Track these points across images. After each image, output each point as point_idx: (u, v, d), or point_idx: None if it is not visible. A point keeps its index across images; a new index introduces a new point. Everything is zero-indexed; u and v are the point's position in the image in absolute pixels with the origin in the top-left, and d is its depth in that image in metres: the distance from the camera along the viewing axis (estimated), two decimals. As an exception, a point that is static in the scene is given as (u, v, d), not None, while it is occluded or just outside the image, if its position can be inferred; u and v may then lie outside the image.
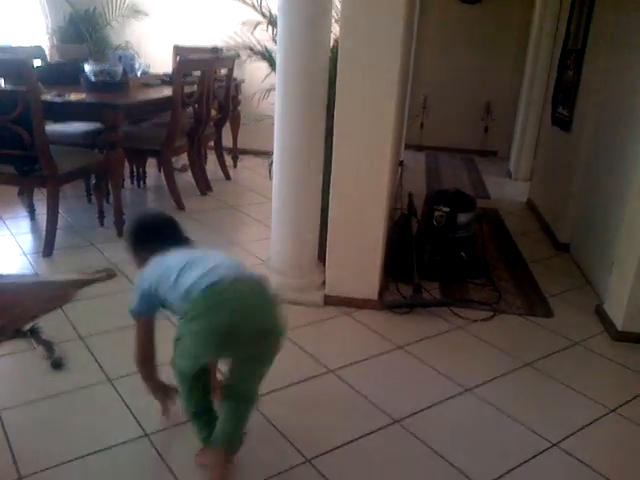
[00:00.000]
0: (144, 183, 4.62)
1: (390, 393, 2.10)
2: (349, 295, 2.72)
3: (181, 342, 1.55)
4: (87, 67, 3.69)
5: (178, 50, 5.09)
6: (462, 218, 3.12)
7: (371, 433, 1.87)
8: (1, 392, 1.99)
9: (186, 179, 4.51)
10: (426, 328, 2.57)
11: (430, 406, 2.03)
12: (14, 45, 4.97)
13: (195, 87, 3.99)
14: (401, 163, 4.70)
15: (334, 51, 2.58)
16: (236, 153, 5.37)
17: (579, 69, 3.73)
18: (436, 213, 3.12)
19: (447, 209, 3.10)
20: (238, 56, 4.51)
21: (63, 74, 3.86)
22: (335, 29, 2.73)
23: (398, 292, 2.84)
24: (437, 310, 2.71)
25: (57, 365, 2.14)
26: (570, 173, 3.63)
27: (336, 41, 2.74)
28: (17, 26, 5.55)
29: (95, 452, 1.73)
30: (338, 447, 1.80)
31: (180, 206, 3.97)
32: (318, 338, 2.47)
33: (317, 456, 1.75)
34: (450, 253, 3.07)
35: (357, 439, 1.84)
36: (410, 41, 3.70)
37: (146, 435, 1.80)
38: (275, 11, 2.75)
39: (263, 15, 3.44)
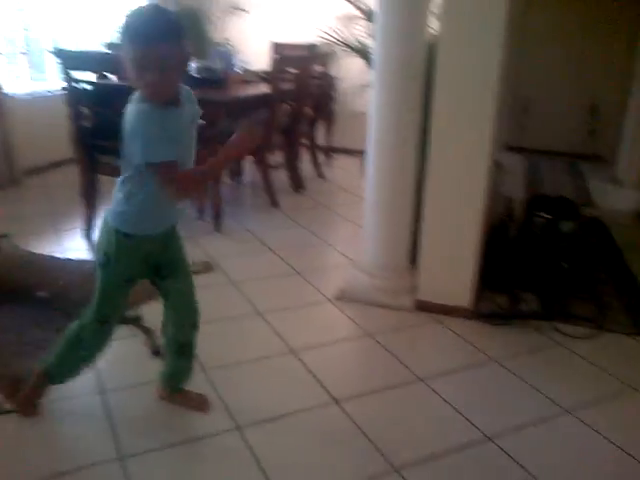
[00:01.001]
0: (241, 179, 4.74)
1: (483, 407, 2.04)
2: (441, 301, 2.65)
3: None
4: (190, 64, 3.82)
5: (275, 47, 5.16)
6: (565, 226, 2.97)
7: (462, 448, 1.82)
8: (106, 374, 2.11)
9: (280, 176, 4.58)
10: (522, 342, 2.46)
11: (525, 425, 1.94)
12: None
13: (291, 84, 4.03)
14: (499, 165, 4.54)
15: (432, 46, 2.53)
16: (329, 151, 5.40)
17: None
18: (536, 220, 2.99)
19: (549, 216, 2.96)
20: (334, 53, 4.52)
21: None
22: (433, 24, 2.67)
23: (493, 302, 2.74)
24: (535, 323, 2.59)
25: (157, 352, 2.24)
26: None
27: (434, 36, 2.67)
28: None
29: (190, 441, 1.79)
30: (427, 459, 1.77)
31: (274, 203, 4.04)
32: (407, 344, 2.43)
33: (405, 466, 1.73)
34: (551, 263, 2.93)
35: (447, 452, 1.80)
36: (513, 38, 3.56)
37: (238, 428, 1.85)
38: (372, 6, 2.72)
39: (360, 10, 3.42)
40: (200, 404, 1.94)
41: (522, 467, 1.75)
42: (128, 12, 1.47)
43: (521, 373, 2.23)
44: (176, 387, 1.95)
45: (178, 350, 1.89)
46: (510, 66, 3.31)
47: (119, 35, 1.47)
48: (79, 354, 1.81)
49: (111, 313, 1.79)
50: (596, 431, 1.92)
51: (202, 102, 3.33)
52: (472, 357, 2.33)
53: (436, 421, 1.96)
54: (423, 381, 2.15)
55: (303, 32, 5.27)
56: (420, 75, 2.52)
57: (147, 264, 1.74)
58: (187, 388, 1.96)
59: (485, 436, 1.87)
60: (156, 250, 1.73)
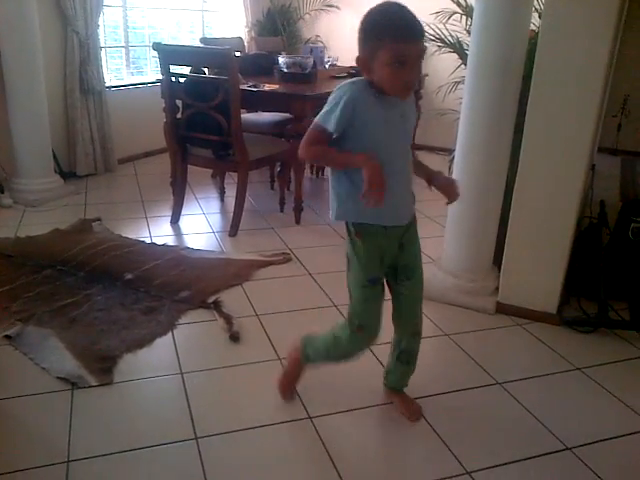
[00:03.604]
0: (322, 174, 4.77)
1: (563, 416, 1.95)
2: (524, 305, 2.56)
3: None
4: (281, 59, 3.88)
5: (365, 43, 5.14)
6: (663, 233, 2.78)
7: (538, 456, 1.75)
8: (185, 356, 2.18)
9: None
10: (610, 352, 2.33)
11: (609, 438, 1.84)
12: (216, 37, 5.40)
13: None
14: (593, 167, 4.32)
15: (532, 43, 2.43)
16: (414, 148, 5.32)
17: None
18: (633, 225, 2.81)
19: (646, 222, 2.78)
20: (426, 48, 4.46)
21: (258, 65, 4.10)
22: (534, 19, 2.57)
23: (580, 308, 2.62)
24: (624, 333, 2.45)
25: (235, 338, 2.30)
26: None
27: (534, 32, 2.58)
28: (221, 19, 6.03)
29: (260, 426, 1.82)
30: (501, 464, 1.71)
31: (355, 197, 4.03)
32: (487, 347, 2.36)
33: (477, 470, 1.68)
34: (645, 271, 2.75)
35: (522, 460, 1.73)
36: (618, 34, 3.37)
37: (309, 417, 1.86)
38: (471, 1, 2.66)
39: (459, 5, 3.35)
40: (412, 412, 1.89)
41: (601, 479, 1.66)
42: (372, 11, 1.47)
43: (606, 383, 2.11)
44: (394, 388, 1.95)
45: (399, 356, 1.86)
46: (611, 61, 3.14)
47: (367, 33, 1.47)
48: (335, 352, 1.80)
49: (364, 321, 1.71)
50: (688, 451, 1.80)
51: (290, 97, 3.45)
52: (554, 363, 2.24)
53: (512, 426, 1.90)
54: (501, 385, 2.09)
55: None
56: (518, 72, 2.44)
57: (383, 263, 1.68)
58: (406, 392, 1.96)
59: (564, 445, 1.79)
60: (391, 248, 1.67)
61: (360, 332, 1.71)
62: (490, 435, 1.85)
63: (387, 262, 1.69)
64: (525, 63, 2.47)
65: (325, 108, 1.52)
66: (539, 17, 2.57)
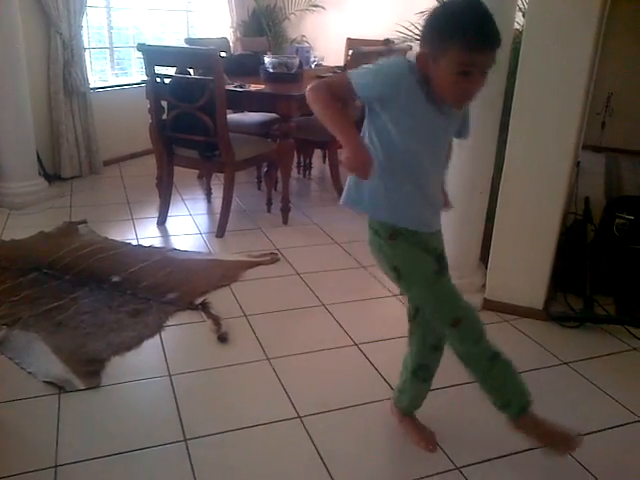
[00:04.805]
0: (309, 174, 4.77)
1: (552, 411, 1.93)
2: (511, 302, 2.58)
3: None
4: (266, 59, 3.88)
5: (351, 42, 5.16)
6: (647, 228, 2.82)
7: (527, 450, 1.76)
8: (173, 358, 2.17)
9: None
10: (596, 346, 2.35)
11: (597, 431, 1.86)
12: (201, 37, 5.39)
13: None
14: (578, 164, 4.37)
15: (516, 42, 2.45)
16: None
17: None
18: (617, 221, 2.85)
19: (631, 217, 2.81)
20: (410, 48, 4.47)
21: (244, 65, 4.09)
22: (518, 19, 2.59)
23: (566, 304, 2.64)
24: (610, 328, 2.47)
25: (223, 339, 2.29)
26: None
27: (518, 31, 2.60)
28: (205, 20, 6.02)
29: (249, 427, 1.81)
30: (490, 459, 1.72)
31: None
32: (475, 343, 2.38)
33: (466, 465, 1.69)
34: (630, 266, 2.78)
35: (511, 454, 1.75)
36: (600, 33, 3.41)
37: (299, 417, 1.86)
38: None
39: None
40: (426, 441, 1.77)
41: (589, 472, 1.68)
42: (448, 6, 1.29)
43: (592, 377, 2.13)
44: (407, 411, 1.82)
45: (414, 371, 1.72)
46: (596, 61, 3.18)
47: (435, 28, 1.29)
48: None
49: (455, 311, 1.52)
50: (674, 443, 1.82)
51: (276, 97, 3.44)
52: (541, 358, 2.25)
53: (500, 421, 1.90)
54: (489, 381, 2.09)
55: (380, 28, 5.23)
56: (503, 70, 2.45)
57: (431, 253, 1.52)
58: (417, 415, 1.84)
59: (553, 441, 1.80)
60: (431, 243, 1.52)
61: (461, 324, 1.51)
62: (479, 430, 1.86)
63: (432, 252, 1.51)
64: (510, 62, 2.49)
65: (368, 66, 1.34)
66: (523, 16, 2.58)
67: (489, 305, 2.61)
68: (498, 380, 1.60)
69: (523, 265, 2.52)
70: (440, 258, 1.55)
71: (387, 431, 1.85)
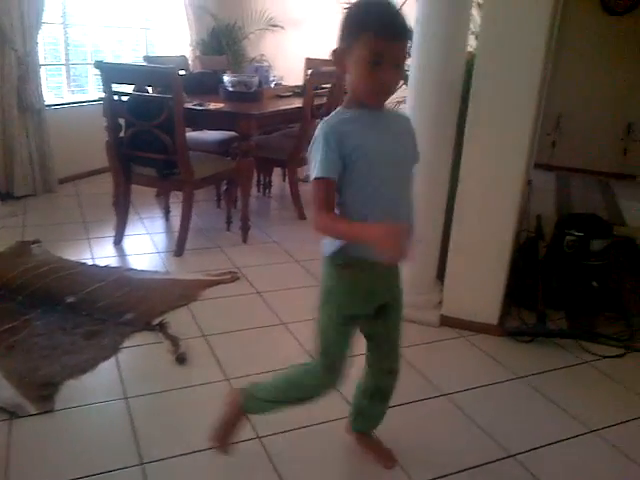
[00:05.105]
0: (269, 192, 4.78)
1: (506, 424, 2.00)
2: (467, 317, 2.63)
3: None
4: (226, 78, 3.89)
5: (310, 62, 5.22)
6: (596, 245, 2.91)
7: (484, 464, 1.80)
8: (130, 380, 2.14)
9: (308, 189, 4.60)
10: (549, 360, 2.42)
11: (549, 443, 1.91)
12: (160, 55, 5.38)
13: (325, 99, 4.07)
14: (529, 183, 4.50)
15: (469, 64, 2.53)
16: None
17: None
18: (567, 238, 2.94)
19: (580, 234, 2.91)
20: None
21: (203, 84, 4.09)
22: (471, 41, 2.68)
23: (520, 319, 2.71)
24: (562, 342, 2.55)
25: (181, 360, 2.26)
26: None
27: (471, 54, 2.68)
28: (164, 37, 6.00)
29: (208, 449, 1.77)
30: (448, 474, 1.74)
31: (302, 216, 4.06)
32: (432, 359, 2.42)
33: (427, 481, 1.71)
34: (580, 281, 2.87)
35: (468, 469, 1.77)
36: (549, 55, 3.55)
37: (258, 437, 1.85)
38: (411, 23, 2.74)
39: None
40: (387, 458, 1.78)
41: (545, 486, 1.72)
42: (358, 3, 1.37)
43: (546, 391, 2.19)
44: (363, 430, 1.82)
45: (373, 394, 1.72)
46: (545, 83, 3.29)
47: (347, 23, 1.35)
48: (293, 396, 1.66)
49: (336, 359, 1.56)
50: (621, 451, 1.88)
51: (236, 115, 3.45)
52: (496, 373, 2.30)
53: (458, 436, 1.94)
54: (446, 396, 2.13)
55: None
56: (456, 92, 2.53)
57: (367, 301, 1.54)
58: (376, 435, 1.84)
59: (507, 453, 1.84)
60: (380, 284, 1.54)
61: (332, 372, 1.57)
62: (437, 446, 1.89)
63: (371, 300, 1.54)
64: (463, 83, 2.56)
65: (313, 160, 1.36)
66: (476, 39, 2.67)
67: (446, 321, 2.66)
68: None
69: (478, 282, 2.58)
70: (382, 306, 1.57)
71: (345, 450, 1.85)
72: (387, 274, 1.54)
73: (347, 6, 1.40)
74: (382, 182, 1.40)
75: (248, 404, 1.67)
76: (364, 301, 1.53)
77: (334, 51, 1.38)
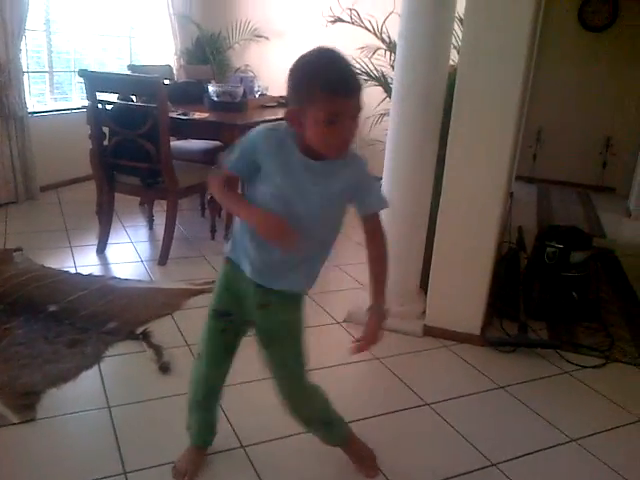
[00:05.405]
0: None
1: (488, 433, 2.03)
2: (450, 327, 2.66)
3: None
4: (210, 87, 3.90)
5: (295, 73, 5.22)
6: (576, 256, 2.97)
7: (466, 473, 1.81)
8: (112, 389, 2.12)
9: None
10: (530, 370, 2.45)
11: (531, 452, 1.93)
12: (144, 64, 5.37)
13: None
14: (511, 195, 4.56)
15: (451, 78, 2.58)
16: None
17: None
18: (548, 249, 2.99)
19: (560, 246, 2.96)
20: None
21: (187, 93, 4.10)
22: (453, 55, 2.73)
23: (502, 329, 2.74)
24: (543, 352, 2.58)
25: (165, 369, 2.25)
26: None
27: (453, 67, 2.73)
28: (149, 46, 6.00)
29: (194, 458, 1.78)
30: (431, 484, 1.76)
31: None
32: (415, 369, 2.43)
33: (409, 490, 1.72)
34: (561, 292, 2.92)
35: (451, 478, 1.79)
36: (529, 70, 3.61)
37: (242, 447, 1.85)
38: (395, 37, 2.78)
39: (383, 41, 3.49)
40: (368, 467, 1.78)
41: (526, 495, 1.74)
42: (303, 59, 1.31)
43: (527, 400, 2.22)
44: (335, 444, 1.78)
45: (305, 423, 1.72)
46: (526, 97, 3.36)
47: (297, 84, 1.31)
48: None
49: (202, 349, 1.66)
50: (600, 460, 1.91)
51: (221, 125, 3.46)
52: (478, 383, 2.33)
53: (440, 446, 1.96)
54: (429, 405, 2.15)
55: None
56: (439, 105, 2.56)
57: (239, 305, 1.56)
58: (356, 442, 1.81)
59: (489, 462, 1.86)
60: (248, 299, 1.53)
61: (198, 359, 1.67)
62: (420, 455, 1.90)
63: (236, 304, 1.55)
64: (445, 97, 2.61)
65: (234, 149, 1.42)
66: (457, 53, 2.72)
67: (429, 331, 2.68)
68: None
69: (461, 292, 2.61)
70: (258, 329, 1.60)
71: (331, 458, 1.85)
72: (252, 295, 1.51)
73: (291, 66, 1.34)
74: (286, 213, 1.35)
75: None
76: (231, 300, 1.56)
77: (287, 112, 1.33)
